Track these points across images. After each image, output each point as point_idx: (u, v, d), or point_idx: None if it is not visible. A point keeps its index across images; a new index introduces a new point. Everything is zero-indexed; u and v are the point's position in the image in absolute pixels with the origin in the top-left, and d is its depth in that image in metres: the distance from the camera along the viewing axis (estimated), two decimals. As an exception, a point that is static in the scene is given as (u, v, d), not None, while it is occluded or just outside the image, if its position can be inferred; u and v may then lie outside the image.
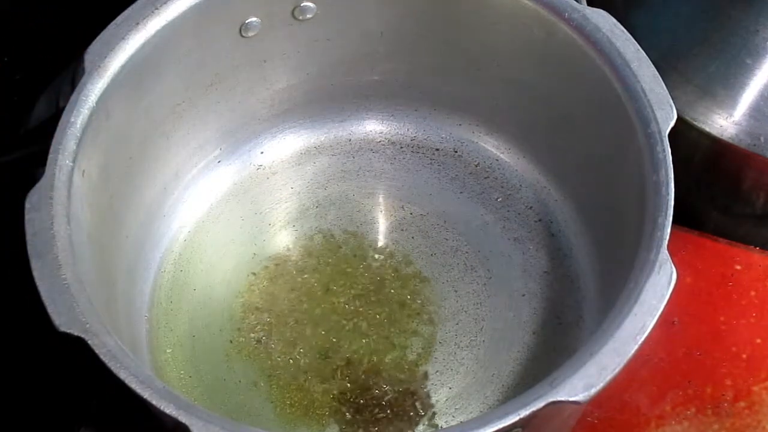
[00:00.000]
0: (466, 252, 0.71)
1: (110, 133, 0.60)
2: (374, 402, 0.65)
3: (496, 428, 0.47)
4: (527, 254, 0.70)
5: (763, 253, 0.70)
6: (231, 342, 0.67)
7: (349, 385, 0.65)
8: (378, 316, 0.68)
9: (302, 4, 0.67)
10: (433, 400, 0.65)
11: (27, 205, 0.54)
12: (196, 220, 0.72)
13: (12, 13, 0.87)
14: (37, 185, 0.55)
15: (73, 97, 0.58)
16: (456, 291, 0.69)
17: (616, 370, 0.49)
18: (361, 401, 0.65)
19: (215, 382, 0.66)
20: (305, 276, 0.70)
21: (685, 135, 0.66)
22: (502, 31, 0.66)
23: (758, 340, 0.67)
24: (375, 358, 0.66)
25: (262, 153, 0.75)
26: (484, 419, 0.48)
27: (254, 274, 0.70)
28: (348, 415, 0.64)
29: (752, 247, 0.71)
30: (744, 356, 0.67)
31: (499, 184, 0.74)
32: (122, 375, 0.49)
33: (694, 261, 0.69)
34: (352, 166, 0.75)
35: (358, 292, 0.69)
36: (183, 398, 0.49)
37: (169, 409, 0.48)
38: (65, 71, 0.78)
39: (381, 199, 0.74)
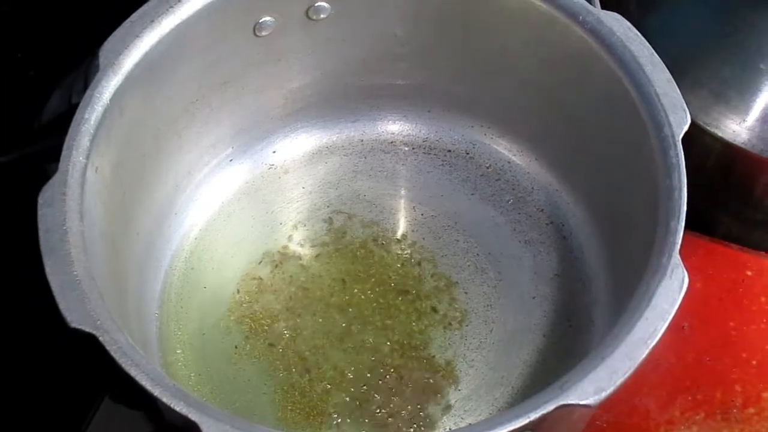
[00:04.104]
0: (477, 254, 0.71)
1: (124, 130, 0.61)
2: (381, 405, 0.65)
3: (505, 431, 0.47)
4: (538, 257, 0.70)
5: (774, 259, 0.70)
6: (241, 341, 0.67)
7: (353, 388, 0.65)
8: (386, 318, 0.68)
9: (316, 4, 0.67)
10: (442, 402, 0.65)
11: (40, 201, 0.54)
12: (207, 219, 0.72)
13: (26, 10, 0.87)
14: (50, 181, 0.55)
15: (87, 94, 0.58)
16: (466, 293, 0.69)
17: (627, 374, 0.49)
18: (367, 405, 0.65)
19: (224, 381, 0.66)
20: (316, 276, 0.70)
21: (697, 140, 0.66)
22: (516, 33, 0.66)
23: (768, 347, 0.67)
24: (382, 360, 0.66)
25: (274, 152, 0.75)
26: (494, 421, 0.48)
27: (265, 274, 0.70)
28: (353, 419, 0.64)
29: (763, 253, 0.70)
30: (754, 362, 0.67)
31: (511, 187, 0.74)
32: (133, 372, 0.49)
33: (705, 266, 0.69)
34: (364, 166, 0.75)
35: (368, 293, 0.69)
36: (193, 396, 0.49)
37: (179, 407, 0.48)
38: (78, 68, 0.78)
39: (392, 200, 0.74)
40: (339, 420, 0.64)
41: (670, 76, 0.59)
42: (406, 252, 0.71)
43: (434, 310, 0.68)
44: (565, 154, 0.71)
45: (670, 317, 0.51)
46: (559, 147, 0.71)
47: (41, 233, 0.53)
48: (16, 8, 0.87)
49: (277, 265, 0.70)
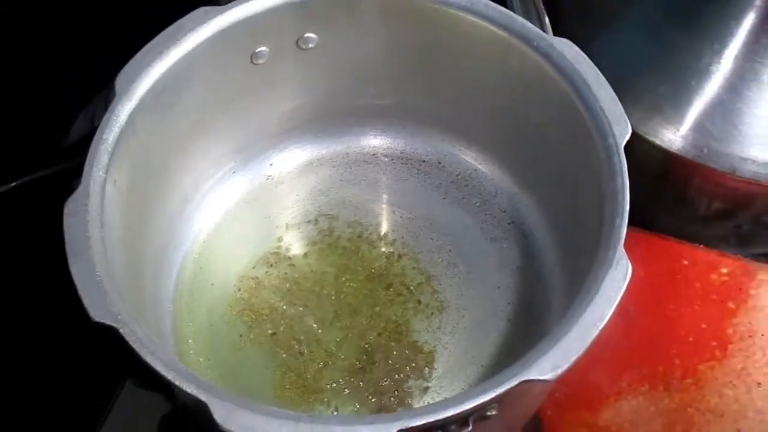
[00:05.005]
0: (449, 250, 0.71)
1: (138, 148, 0.60)
2: (368, 383, 0.64)
3: (475, 404, 0.47)
4: (502, 252, 0.70)
5: (706, 249, 0.70)
6: (245, 331, 0.67)
7: (343, 369, 0.65)
8: (374, 307, 0.68)
9: (305, 35, 0.67)
10: (420, 380, 0.65)
11: (65, 211, 0.54)
12: (213, 224, 0.72)
13: (53, 47, 0.87)
14: (75, 194, 0.55)
15: (105, 117, 0.58)
16: (440, 284, 0.69)
17: (580, 353, 0.49)
18: (355, 383, 0.64)
19: (230, 366, 0.66)
20: (308, 271, 0.70)
21: (638, 147, 0.66)
22: (480, 58, 0.66)
23: (703, 325, 0.67)
24: (369, 344, 0.66)
25: (271, 165, 0.75)
26: (465, 396, 0.48)
27: (265, 271, 0.70)
28: (342, 395, 0.64)
29: (697, 244, 0.71)
30: (691, 339, 0.67)
31: (478, 191, 0.73)
32: (149, 359, 0.49)
33: (647, 257, 0.69)
34: (350, 176, 0.75)
35: (356, 285, 0.69)
36: (203, 380, 0.48)
37: (190, 389, 0.48)
38: (99, 95, 0.78)
39: (375, 204, 0.73)
40: (330, 397, 0.64)
41: (614, 93, 0.59)
42: (388, 249, 0.71)
43: (412, 299, 0.68)
44: (524, 162, 0.71)
45: (616, 302, 0.51)
46: (519, 156, 0.71)
47: (67, 240, 0.53)
48: (45, 46, 0.87)
49: (273, 264, 0.70)
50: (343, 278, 0.69)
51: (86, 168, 0.56)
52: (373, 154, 0.76)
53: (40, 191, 0.74)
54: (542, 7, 0.71)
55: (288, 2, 0.64)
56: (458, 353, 0.66)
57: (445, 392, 0.64)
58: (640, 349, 0.66)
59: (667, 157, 0.68)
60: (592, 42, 0.71)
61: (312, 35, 0.67)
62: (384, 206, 0.73)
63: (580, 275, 0.54)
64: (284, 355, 0.65)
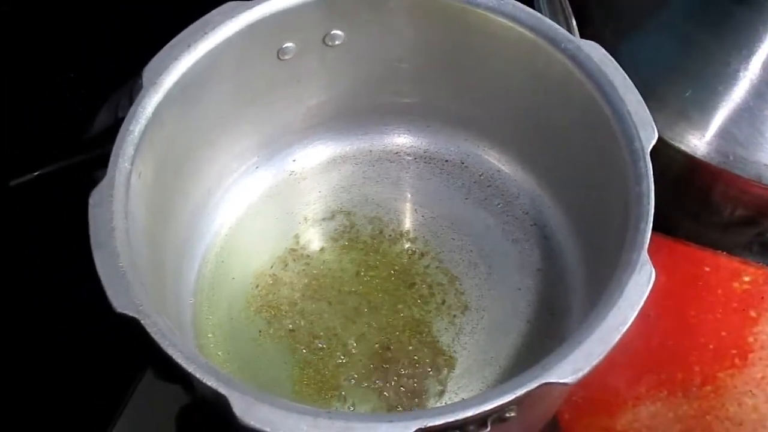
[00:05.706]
0: (470, 250, 0.71)
1: (163, 141, 0.60)
2: (385, 381, 0.64)
3: (495, 405, 0.47)
4: (523, 253, 0.70)
5: (729, 257, 0.70)
6: (264, 326, 0.67)
7: (361, 366, 0.65)
8: (396, 304, 0.68)
9: (332, 32, 0.67)
10: (438, 380, 0.65)
11: (90, 202, 0.54)
12: (235, 218, 0.72)
13: (78, 37, 0.88)
14: (99, 185, 0.55)
15: (132, 109, 0.58)
16: (461, 284, 0.69)
17: (602, 357, 0.49)
18: (373, 381, 0.64)
19: (249, 360, 0.66)
20: (329, 268, 0.70)
21: (663, 152, 0.66)
22: (506, 59, 0.66)
23: (723, 333, 0.67)
24: (388, 342, 0.66)
25: (294, 161, 0.75)
26: (485, 396, 0.48)
27: (286, 266, 0.70)
28: (359, 392, 0.64)
29: (720, 251, 0.70)
30: (711, 346, 0.66)
31: (500, 192, 0.73)
32: (170, 351, 0.49)
33: (669, 263, 0.69)
34: (373, 173, 0.75)
35: (378, 283, 0.69)
36: (223, 373, 0.49)
37: (210, 382, 0.48)
38: (123, 86, 0.78)
39: (397, 203, 0.73)
40: (347, 393, 0.64)
41: (640, 97, 0.59)
42: (410, 247, 0.71)
43: (432, 299, 0.68)
44: (548, 164, 0.71)
45: (639, 307, 0.51)
46: (543, 158, 0.71)
47: (91, 230, 0.53)
48: (70, 37, 0.87)
49: (294, 260, 0.70)
50: (364, 275, 0.69)
51: (112, 159, 0.56)
52: (396, 153, 0.76)
53: (64, 182, 0.74)
54: (569, 9, 0.71)
55: (315, -1, 0.65)
56: (477, 354, 0.66)
57: (463, 392, 0.64)
58: (660, 354, 0.66)
59: (691, 162, 0.68)
60: (619, 45, 0.70)
61: (338, 32, 0.67)
62: (406, 205, 0.73)
63: (602, 278, 0.54)
64: (304, 351, 0.66)
